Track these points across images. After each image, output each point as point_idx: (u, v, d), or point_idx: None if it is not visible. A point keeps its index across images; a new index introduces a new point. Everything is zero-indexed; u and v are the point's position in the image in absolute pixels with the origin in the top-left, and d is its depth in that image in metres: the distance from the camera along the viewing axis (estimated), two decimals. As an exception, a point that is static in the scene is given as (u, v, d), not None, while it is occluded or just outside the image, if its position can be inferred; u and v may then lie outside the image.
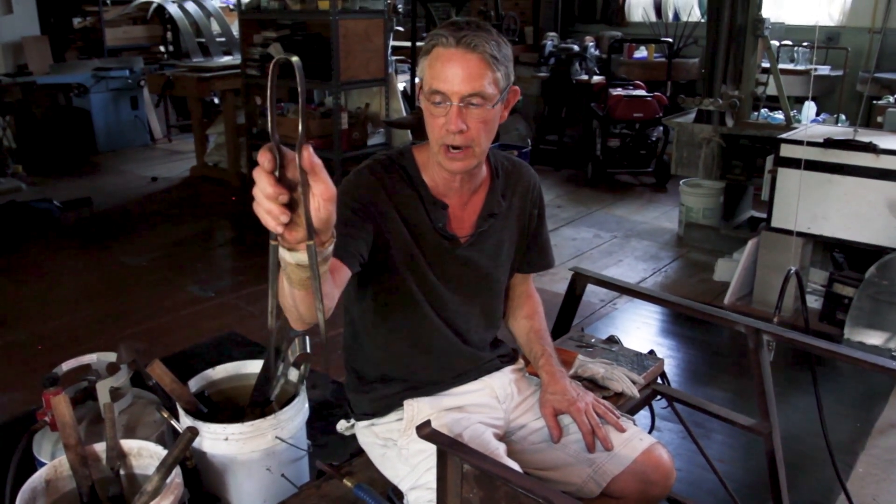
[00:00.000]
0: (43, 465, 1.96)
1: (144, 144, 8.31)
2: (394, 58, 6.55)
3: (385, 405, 1.71)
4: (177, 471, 1.82)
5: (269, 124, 0.92)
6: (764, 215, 4.25)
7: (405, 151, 1.68)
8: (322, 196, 0.96)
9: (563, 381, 1.75)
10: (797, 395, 3.13)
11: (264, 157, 0.91)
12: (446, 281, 1.67)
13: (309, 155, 0.93)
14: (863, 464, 2.87)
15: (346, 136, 5.53)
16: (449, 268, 1.66)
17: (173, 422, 2.02)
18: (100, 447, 1.94)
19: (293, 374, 2.17)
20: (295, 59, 0.92)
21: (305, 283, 1.11)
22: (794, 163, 3.87)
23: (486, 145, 1.58)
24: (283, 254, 1.05)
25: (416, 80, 1.57)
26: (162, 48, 9.26)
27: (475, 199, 1.70)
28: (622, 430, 1.71)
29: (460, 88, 1.47)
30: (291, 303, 1.22)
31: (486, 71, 1.48)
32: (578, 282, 2.29)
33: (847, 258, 4.13)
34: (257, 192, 0.93)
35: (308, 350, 2.10)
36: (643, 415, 2.28)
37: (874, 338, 3.67)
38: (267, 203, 0.93)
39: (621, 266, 4.87)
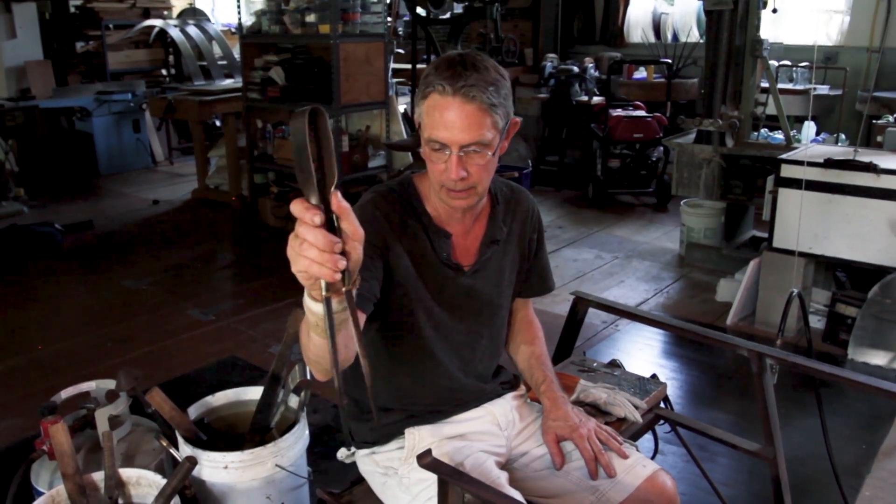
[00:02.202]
0: (41, 494, 1.94)
1: (146, 167, 8.34)
2: (394, 80, 6.59)
3: (386, 433, 1.70)
4: (176, 500, 1.80)
5: (304, 179, 0.93)
6: (766, 235, 4.25)
7: (406, 182, 1.67)
8: (353, 237, 0.98)
9: (565, 407, 1.74)
10: (801, 418, 3.10)
11: (311, 213, 0.93)
12: (451, 311, 1.66)
13: (338, 199, 0.95)
14: (869, 487, 2.81)
15: (347, 159, 5.55)
16: (454, 298, 1.66)
17: (172, 450, 2.00)
18: (98, 476, 1.93)
19: (293, 401, 2.16)
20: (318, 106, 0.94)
21: (312, 327, 1.12)
22: (794, 183, 3.87)
23: (488, 182, 1.58)
24: (311, 304, 1.07)
25: (416, 115, 1.56)
26: (164, 71, 9.32)
27: (477, 227, 1.70)
28: (625, 457, 1.70)
29: (460, 138, 1.46)
30: (316, 353, 1.21)
31: (484, 119, 1.46)
32: (580, 306, 2.28)
33: (849, 277, 4.12)
34: (306, 247, 0.95)
35: (308, 377, 2.09)
36: (646, 439, 2.26)
37: (878, 358, 3.64)
38: (321, 255, 0.95)
39: (623, 287, 4.86)
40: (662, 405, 2.19)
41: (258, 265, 5.43)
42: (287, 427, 2.08)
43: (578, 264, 5.23)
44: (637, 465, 1.68)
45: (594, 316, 4.27)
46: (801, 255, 3.90)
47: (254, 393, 2.21)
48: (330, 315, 1.00)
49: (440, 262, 1.63)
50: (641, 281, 4.96)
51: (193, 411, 2.14)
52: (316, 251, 0.94)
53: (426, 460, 1.40)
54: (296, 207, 0.94)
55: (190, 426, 2.04)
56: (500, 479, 1.56)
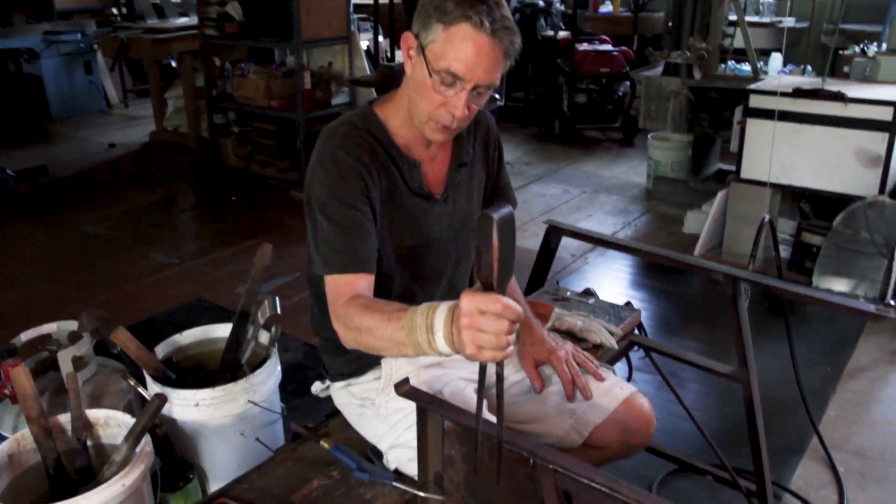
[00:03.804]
0: (4, 439, 1.89)
1: (100, 111, 8.05)
2: (356, 15, 6.40)
3: (362, 365, 1.66)
4: (146, 439, 1.76)
5: (487, 274, 1.06)
6: (731, 168, 4.25)
7: (367, 114, 1.56)
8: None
9: (541, 332, 1.72)
10: (768, 343, 3.14)
11: (515, 314, 1.07)
12: (426, 241, 1.61)
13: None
14: (834, 407, 2.91)
15: (310, 97, 5.39)
16: (428, 228, 1.61)
17: (140, 389, 1.96)
18: (64, 418, 1.87)
19: (264, 337, 2.11)
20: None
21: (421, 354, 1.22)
22: (762, 113, 3.86)
23: None
24: (442, 346, 1.16)
25: (417, 38, 1.40)
26: (115, 10, 8.94)
27: (442, 152, 1.63)
28: (602, 380, 1.69)
29: (479, 77, 1.38)
30: (387, 350, 1.31)
31: (504, 63, 1.41)
32: (553, 235, 2.25)
33: (813, 208, 4.15)
34: (498, 333, 1.06)
35: (279, 311, 2.04)
36: (620, 366, 2.27)
37: (841, 285, 3.70)
38: (507, 337, 1.08)
39: (591, 221, 4.86)
40: (636, 332, 2.19)
41: (221, 207, 5.31)
42: (258, 363, 2.04)
43: (546, 199, 5.21)
44: (614, 387, 1.68)
45: (563, 250, 4.26)
46: (769, 185, 3.91)
47: (223, 330, 2.16)
48: (483, 378, 1.16)
49: (412, 193, 1.57)
50: (609, 215, 4.96)
51: (161, 350, 2.09)
52: (503, 334, 1.07)
53: (404, 389, 1.37)
54: (482, 299, 1.06)
55: (158, 365, 1.99)
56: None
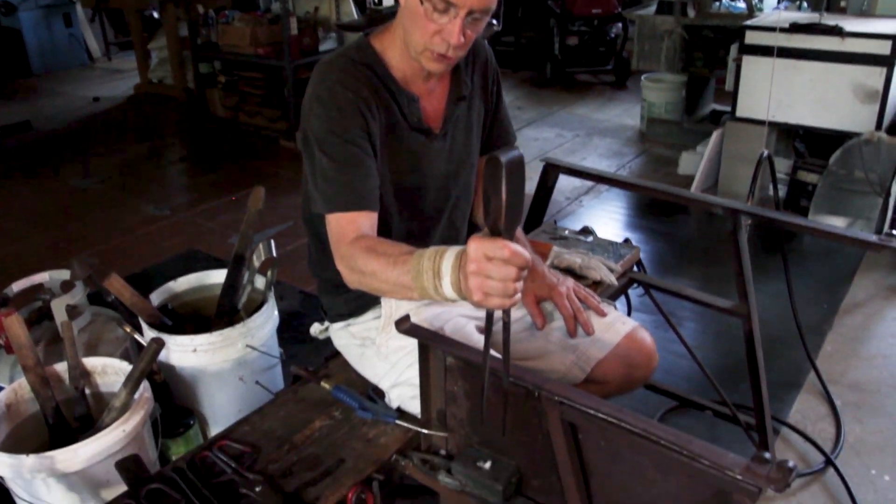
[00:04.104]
0: (1, 388, 1.87)
1: (82, 64, 7.89)
2: (341, -42, 6.23)
3: (361, 304, 1.64)
4: (145, 385, 1.75)
5: (495, 219, 1.03)
6: (726, 108, 4.20)
7: (364, 47, 1.51)
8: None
9: (542, 268, 1.70)
10: (765, 282, 3.14)
11: (523, 260, 1.04)
12: (427, 180, 1.58)
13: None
14: (830, 342, 2.92)
15: (297, 43, 5.27)
16: (429, 165, 1.57)
17: (137, 336, 1.94)
18: (61, 367, 1.86)
19: (259, 282, 2.09)
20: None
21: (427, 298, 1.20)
22: (759, 50, 3.80)
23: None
24: (449, 292, 1.13)
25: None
26: (92, -41, 8.69)
27: (440, 86, 1.59)
28: (603, 315, 1.68)
29: (473, 2, 1.33)
30: (392, 292, 1.28)
31: None
32: (550, 173, 2.22)
33: (808, 147, 4.12)
34: (506, 280, 1.04)
35: (273, 254, 2.01)
36: (619, 304, 2.25)
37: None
38: (515, 284, 1.05)
39: (585, 163, 4.80)
40: (636, 269, 2.17)
41: (211, 157, 5.24)
42: (255, 308, 2.02)
43: (540, 143, 5.16)
44: (616, 322, 1.67)
45: (558, 192, 4.22)
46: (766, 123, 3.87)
47: (218, 276, 2.14)
48: (490, 325, 1.14)
49: (410, 129, 1.53)
50: (603, 157, 4.92)
51: (156, 298, 2.07)
52: (510, 282, 1.04)
53: (405, 326, 1.35)
54: (489, 245, 1.03)
55: (153, 312, 1.97)
56: (482, 343, 1.53)
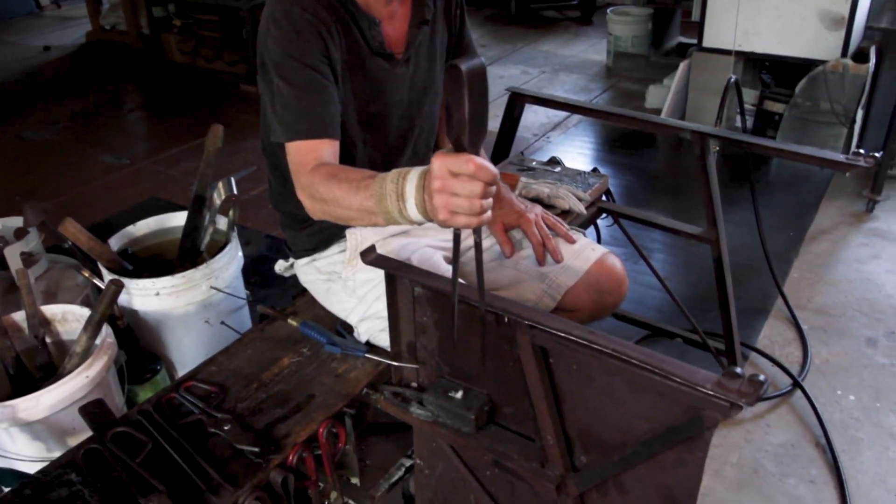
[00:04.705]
0: (-42, 339, 1.81)
1: (30, 13, 7.59)
2: None
3: (326, 238, 1.60)
4: (108, 330, 1.71)
5: (459, 133, 0.97)
6: (692, 41, 4.16)
7: None
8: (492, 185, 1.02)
9: (509, 196, 1.67)
10: (733, 212, 3.15)
11: (489, 174, 0.98)
12: (390, 107, 1.52)
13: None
14: (797, 269, 2.95)
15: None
16: (392, 91, 1.51)
17: (97, 281, 1.89)
18: (19, 316, 1.81)
19: (222, 223, 2.03)
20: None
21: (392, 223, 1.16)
22: (724, -23, 3.75)
23: None
24: (414, 214, 1.09)
25: None
26: None
27: (402, 9, 1.52)
28: (572, 241, 1.66)
29: None
30: (357, 219, 1.23)
31: None
32: (516, 103, 2.17)
33: (775, 78, 4.11)
34: (472, 196, 0.99)
35: (234, 191, 1.95)
36: (588, 234, 2.24)
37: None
38: (482, 201, 1.00)
39: (552, 101, 4.76)
40: (604, 199, 2.15)
41: (169, 105, 5.09)
42: (218, 249, 1.97)
43: (505, 81, 5.08)
44: (586, 249, 1.65)
45: (525, 129, 4.19)
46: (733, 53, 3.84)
47: (178, 219, 2.08)
48: (457, 246, 1.06)
49: (372, 54, 1.47)
50: (570, 93, 4.87)
51: (115, 242, 2.01)
52: (476, 199, 0.99)
53: (371, 257, 1.31)
54: (453, 160, 0.97)
55: (112, 256, 1.91)
56: (450, 273, 1.50)
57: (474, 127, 0.97)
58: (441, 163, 0.98)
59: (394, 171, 1.11)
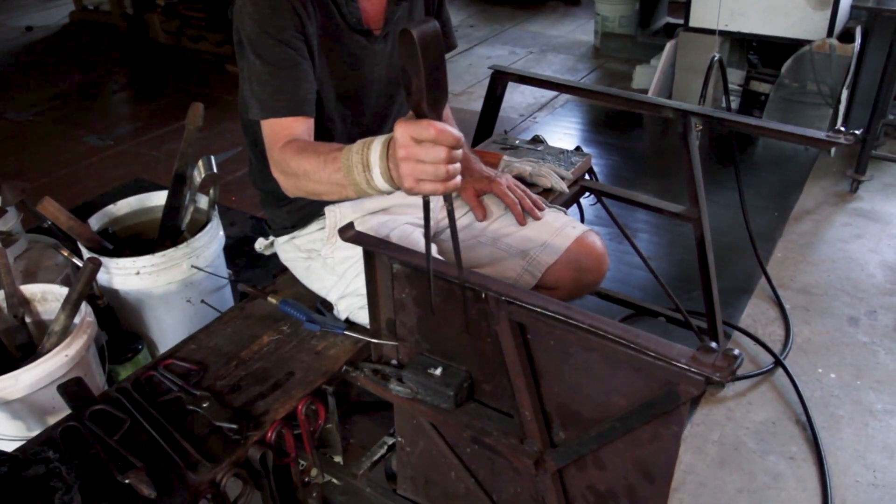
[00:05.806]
0: (-64, 319, 1.80)
1: (12, -9, 7.48)
2: None
3: (305, 215, 1.59)
4: (87, 309, 1.70)
5: (418, 98, 0.96)
6: (680, 21, 4.15)
7: None
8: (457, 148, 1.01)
9: (477, 165, 1.69)
10: (717, 192, 3.16)
11: (452, 138, 0.96)
12: (368, 84, 1.51)
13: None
14: (781, 249, 2.96)
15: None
16: (370, 68, 1.50)
17: (76, 260, 1.87)
18: (-3, 296, 1.79)
19: (202, 201, 2.02)
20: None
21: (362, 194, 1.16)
22: (711, -44, 3.73)
23: None
24: (381, 183, 1.08)
25: None
26: None
27: None
28: (541, 209, 1.67)
29: None
30: (323, 190, 1.22)
31: None
32: (499, 81, 2.16)
33: (761, 59, 4.10)
34: (436, 162, 0.97)
35: (215, 170, 1.94)
36: (571, 213, 2.24)
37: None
38: (447, 166, 0.98)
39: (539, 82, 4.75)
40: (587, 177, 2.15)
41: (154, 85, 5.04)
42: (199, 228, 1.96)
43: (493, 61, 5.04)
44: (567, 226, 1.65)
45: (511, 110, 4.19)
46: (719, 33, 3.83)
47: (159, 198, 2.06)
48: (427, 214, 1.05)
49: (350, 30, 1.45)
50: (557, 73, 4.84)
51: (95, 222, 1.99)
52: (442, 164, 0.97)
53: (349, 234, 1.31)
54: (414, 127, 0.96)
55: (92, 236, 1.90)
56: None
57: (432, 92, 0.95)
58: (403, 130, 0.97)
59: (359, 142, 1.11)
